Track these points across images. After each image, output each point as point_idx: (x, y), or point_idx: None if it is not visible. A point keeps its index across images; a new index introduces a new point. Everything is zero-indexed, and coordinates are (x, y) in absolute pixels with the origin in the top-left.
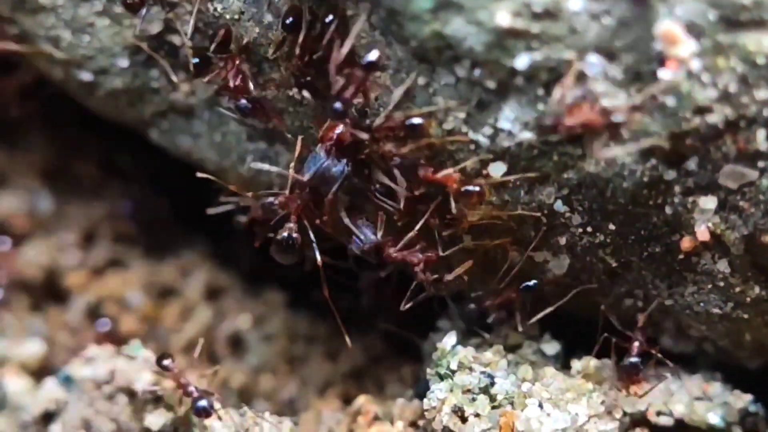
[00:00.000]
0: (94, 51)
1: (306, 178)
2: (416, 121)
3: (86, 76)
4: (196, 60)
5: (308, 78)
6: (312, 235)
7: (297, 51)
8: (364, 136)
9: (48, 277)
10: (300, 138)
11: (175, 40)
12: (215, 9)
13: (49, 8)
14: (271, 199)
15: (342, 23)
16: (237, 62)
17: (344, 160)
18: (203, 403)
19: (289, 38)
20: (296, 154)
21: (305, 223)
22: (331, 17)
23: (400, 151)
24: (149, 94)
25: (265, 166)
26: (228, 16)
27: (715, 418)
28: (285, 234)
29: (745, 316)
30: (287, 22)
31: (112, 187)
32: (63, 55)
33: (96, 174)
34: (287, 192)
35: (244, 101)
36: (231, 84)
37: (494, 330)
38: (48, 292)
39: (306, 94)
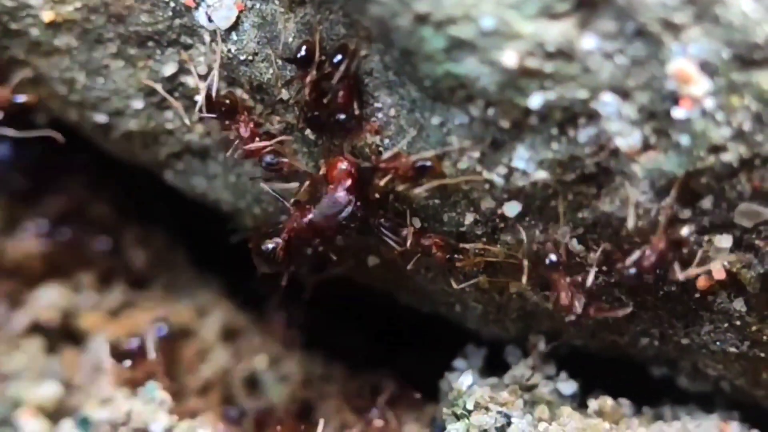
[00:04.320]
0: (109, 93)
1: (310, 217)
2: (426, 163)
3: (101, 118)
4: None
5: (315, 113)
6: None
7: (307, 87)
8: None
9: (64, 319)
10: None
11: (189, 81)
12: (229, 50)
13: (64, 51)
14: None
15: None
16: (250, 124)
17: (350, 204)
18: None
19: (299, 74)
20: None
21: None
22: (340, 57)
23: (413, 192)
24: (164, 135)
25: (273, 189)
26: (242, 57)
27: None
28: (269, 245)
29: (762, 354)
30: (300, 55)
31: (128, 229)
32: (77, 97)
33: (112, 216)
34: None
35: (268, 157)
36: (250, 146)
37: (510, 369)
38: (64, 333)
39: (310, 130)
